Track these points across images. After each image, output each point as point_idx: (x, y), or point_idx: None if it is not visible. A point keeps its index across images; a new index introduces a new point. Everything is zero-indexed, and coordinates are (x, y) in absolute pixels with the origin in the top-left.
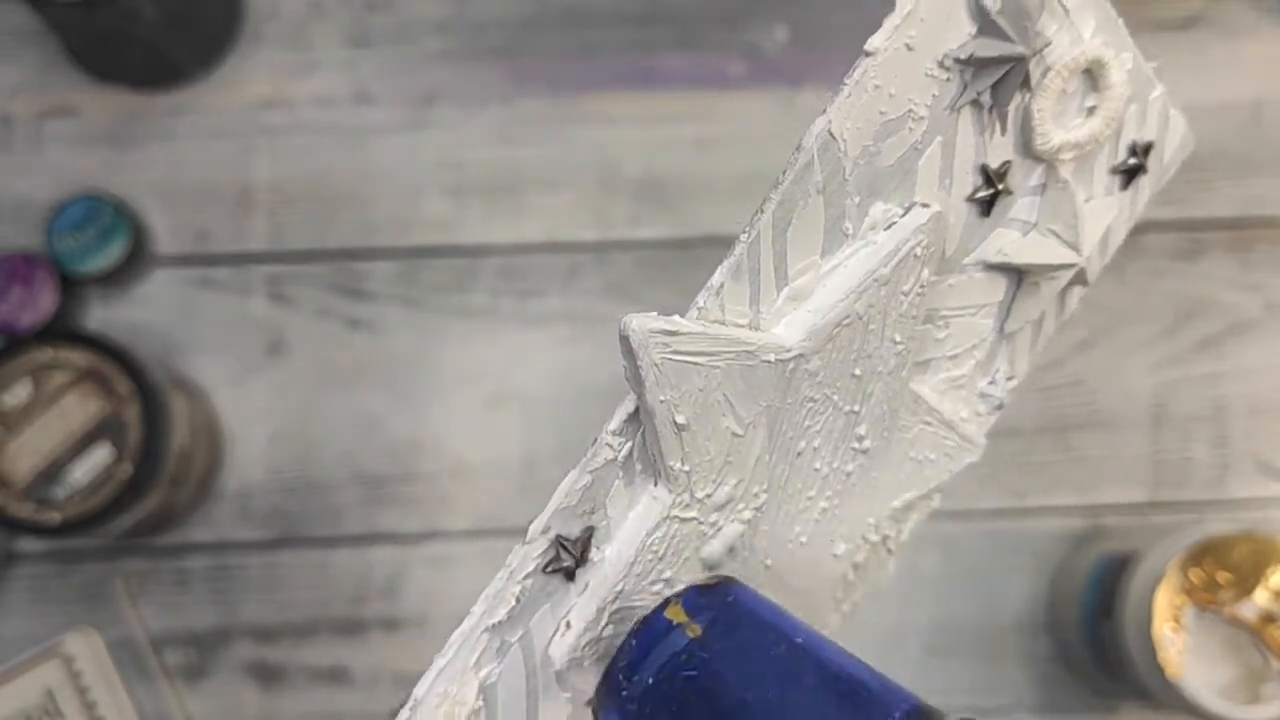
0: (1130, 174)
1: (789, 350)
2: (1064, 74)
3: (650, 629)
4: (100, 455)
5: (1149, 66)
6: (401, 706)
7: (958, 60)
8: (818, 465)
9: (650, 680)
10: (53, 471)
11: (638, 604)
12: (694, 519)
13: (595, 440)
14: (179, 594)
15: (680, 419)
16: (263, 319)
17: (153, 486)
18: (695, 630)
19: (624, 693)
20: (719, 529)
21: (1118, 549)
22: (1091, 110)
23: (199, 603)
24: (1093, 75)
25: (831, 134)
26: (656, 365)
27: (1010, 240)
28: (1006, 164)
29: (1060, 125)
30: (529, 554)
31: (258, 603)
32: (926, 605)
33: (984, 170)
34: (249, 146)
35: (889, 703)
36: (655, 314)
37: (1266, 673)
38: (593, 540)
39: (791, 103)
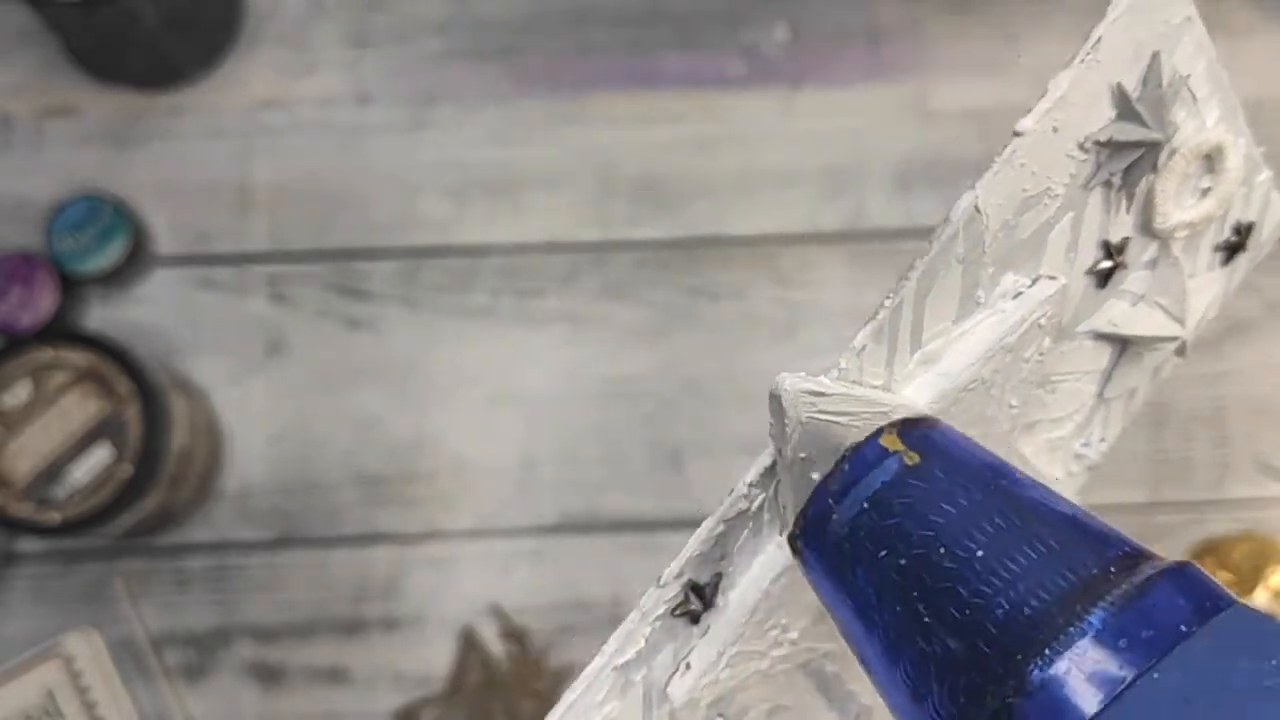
0: (1231, 251)
1: (920, 412)
2: (1188, 158)
3: (863, 455)
4: (100, 455)
5: (1258, 151)
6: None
7: (1097, 143)
8: None
9: (863, 505)
10: (53, 471)
11: (755, 649)
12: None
13: (731, 491)
14: (179, 594)
15: (815, 475)
16: (263, 319)
17: (152, 486)
18: (912, 458)
19: (833, 517)
20: None
21: None
22: (1206, 192)
23: (199, 603)
24: (1211, 159)
25: (978, 208)
26: (802, 423)
27: (1120, 311)
28: (1126, 240)
29: (1178, 205)
30: (661, 597)
31: (258, 603)
32: None
33: (1106, 245)
34: (249, 146)
35: (1112, 541)
36: (804, 374)
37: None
38: (720, 587)
39: (791, 103)
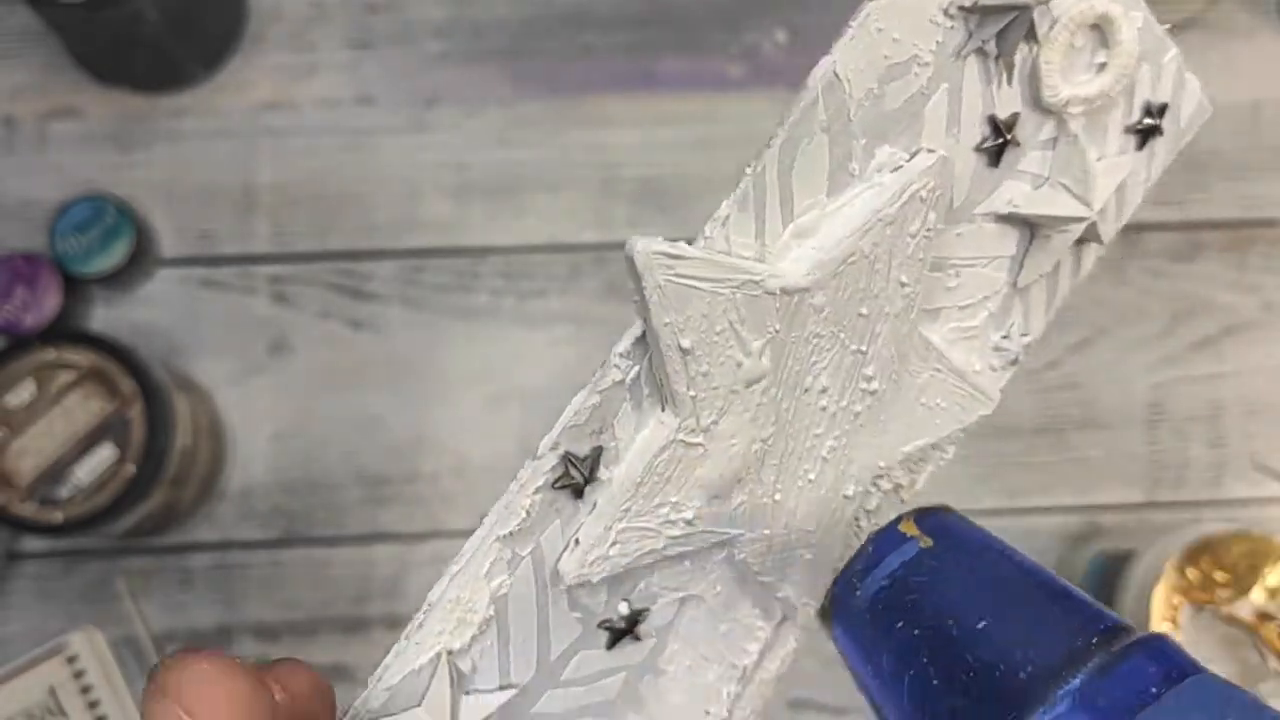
0: (1145, 134)
1: (795, 283)
2: (1070, 27)
3: (885, 539)
4: (103, 455)
5: (1162, 29)
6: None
7: (962, 8)
8: (825, 404)
9: (884, 583)
10: (56, 471)
11: (645, 526)
12: (699, 445)
13: (604, 362)
14: (181, 593)
15: (685, 343)
16: (265, 319)
17: (155, 486)
18: (927, 541)
19: (857, 593)
20: (727, 457)
21: (1115, 548)
22: (1101, 67)
23: (201, 601)
24: (1102, 31)
25: (836, 75)
26: (660, 287)
27: (1020, 192)
28: (1015, 115)
29: (1069, 80)
30: (538, 469)
31: (260, 601)
32: None
33: (992, 120)
34: (252, 148)
35: (1098, 615)
36: (661, 238)
37: (1263, 671)
38: (601, 460)
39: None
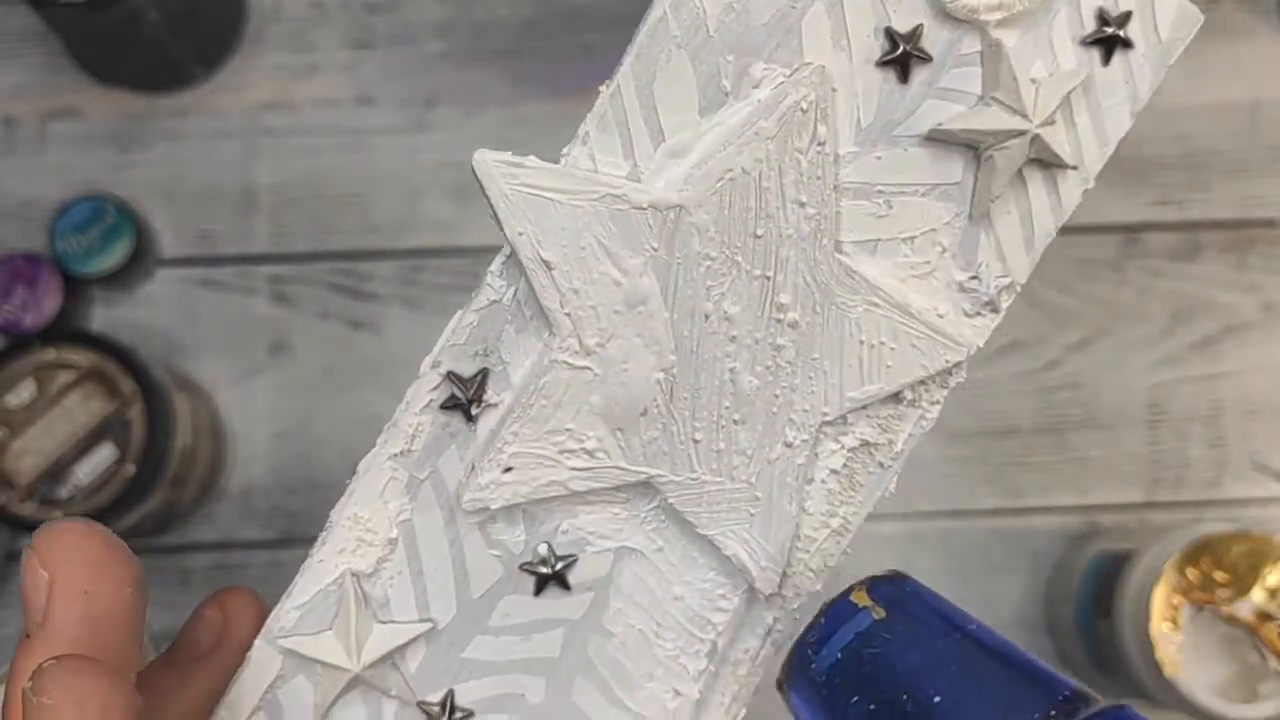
0: (1107, 45)
1: (664, 199)
2: None
3: (837, 610)
4: (103, 455)
5: None
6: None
7: None
8: (735, 333)
9: (838, 655)
10: (56, 471)
11: (541, 453)
12: (588, 369)
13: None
14: (182, 593)
15: (547, 256)
16: (265, 319)
17: (156, 486)
18: (880, 613)
19: (812, 665)
20: (621, 383)
21: (1115, 548)
22: None
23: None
24: None
25: None
26: (506, 196)
27: (948, 112)
28: (919, 27)
29: None
30: (421, 387)
31: None
32: None
33: (889, 33)
34: (251, 148)
35: (1055, 684)
36: (506, 153)
37: (1263, 671)
38: (489, 384)
39: None
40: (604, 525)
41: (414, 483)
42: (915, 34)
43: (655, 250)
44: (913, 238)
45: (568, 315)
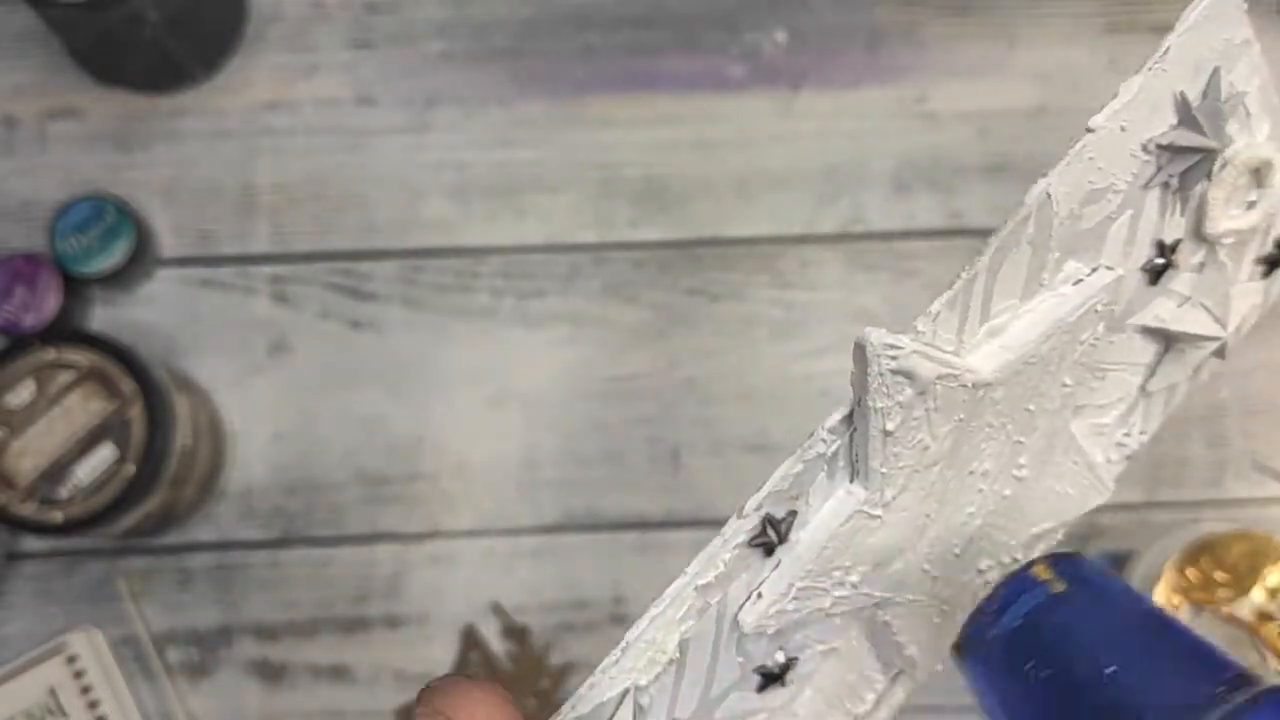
0: (1271, 265)
1: (984, 378)
2: (1239, 169)
3: (1018, 582)
4: (103, 455)
5: None
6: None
7: (1159, 146)
8: (982, 486)
9: (1015, 624)
10: (56, 471)
11: (819, 586)
12: (879, 518)
13: (812, 433)
14: (181, 593)
15: (890, 426)
16: (265, 319)
17: (155, 486)
18: (1060, 585)
19: (991, 632)
20: (898, 529)
21: (1115, 548)
22: (1252, 204)
23: (201, 601)
24: (1260, 173)
25: (1049, 194)
26: (882, 375)
27: (1168, 309)
28: (1178, 241)
29: (1227, 214)
30: (742, 527)
31: (260, 601)
32: None
33: (1160, 244)
34: (252, 148)
35: (1223, 664)
36: (885, 330)
37: (1263, 671)
38: (795, 524)
39: (790, 105)
40: (826, 632)
41: (706, 607)
42: (1175, 247)
43: (960, 420)
44: (1106, 404)
45: (883, 474)
